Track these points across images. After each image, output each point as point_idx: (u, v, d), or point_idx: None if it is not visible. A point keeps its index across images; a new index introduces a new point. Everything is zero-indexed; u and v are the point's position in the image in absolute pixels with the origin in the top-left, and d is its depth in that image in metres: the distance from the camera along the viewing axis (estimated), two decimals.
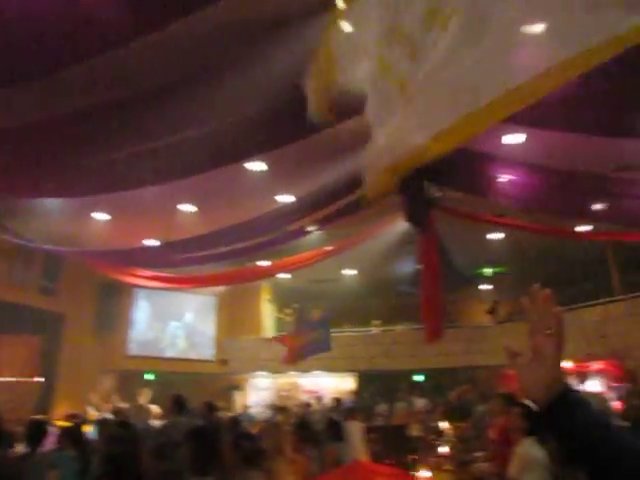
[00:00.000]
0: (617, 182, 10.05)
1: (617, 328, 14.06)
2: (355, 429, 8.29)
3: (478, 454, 7.76)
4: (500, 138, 9.59)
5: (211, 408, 7.80)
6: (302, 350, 13.00)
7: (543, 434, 4.03)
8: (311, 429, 5.92)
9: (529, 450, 3.83)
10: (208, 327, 19.01)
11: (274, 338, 14.01)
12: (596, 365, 15.62)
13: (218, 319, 19.03)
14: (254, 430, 9.39)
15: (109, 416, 9.28)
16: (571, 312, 15.04)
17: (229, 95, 6.89)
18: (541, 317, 1.22)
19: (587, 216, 11.64)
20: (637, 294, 14.34)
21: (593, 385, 15.46)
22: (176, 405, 6.91)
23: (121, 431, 3.37)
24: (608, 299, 14.95)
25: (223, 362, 18.19)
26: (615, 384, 14.60)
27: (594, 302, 14.96)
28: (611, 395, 13.72)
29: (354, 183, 10.28)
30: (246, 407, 15.97)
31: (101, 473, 2.88)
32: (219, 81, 6.67)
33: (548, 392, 1.17)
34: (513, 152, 9.78)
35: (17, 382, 14.76)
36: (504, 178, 10.37)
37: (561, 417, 1.14)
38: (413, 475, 3.37)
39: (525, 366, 1.25)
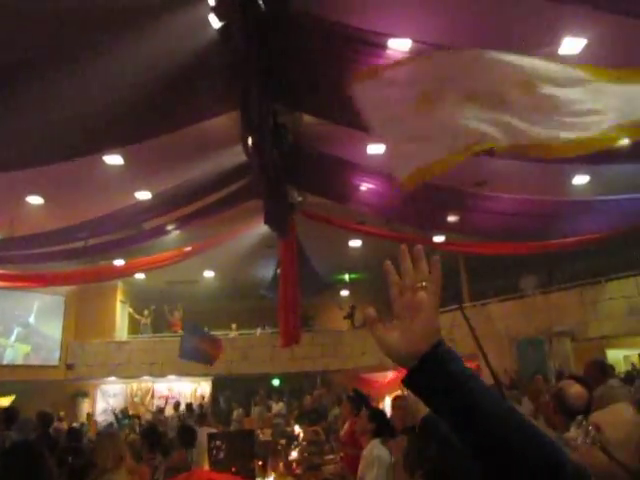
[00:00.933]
0: (472, 196, 10.71)
1: (463, 333, 14.96)
2: (204, 435, 8.07)
3: (329, 457, 7.86)
4: (364, 147, 9.86)
5: (45, 419, 7.15)
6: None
7: (387, 434, 4.15)
8: (158, 435, 5.64)
9: (373, 450, 3.90)
10: (54, 329, 17.56)
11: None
12: None
13: (65, 320, 17.67)
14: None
15: None
16: None
17: (88, 82, 6.46)
18: (412, 273, 1.08)
19: (441, 227, 12.28)
20: (483, 302, 15.43)
21: None
22: (3, 418, 6.26)
23: None
24: (456, 306, 15.91)
25: (69, 367, 16.97)
26: None
27: (444, 309, 15.86)
28: None
29: (216, 183, 10.12)
30: (90, 416, 15.03)
31: None
32: (77, 66, 6.21)
33: (424, 345, 1.03)
34: (375, 161, 10.09)
35: None
36: (365, 187, 10.66)
37: (437, 368, 1.02)
38: None
39: (390, 328, 1.08)
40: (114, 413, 14.38)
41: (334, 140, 9.46)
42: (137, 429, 10.97)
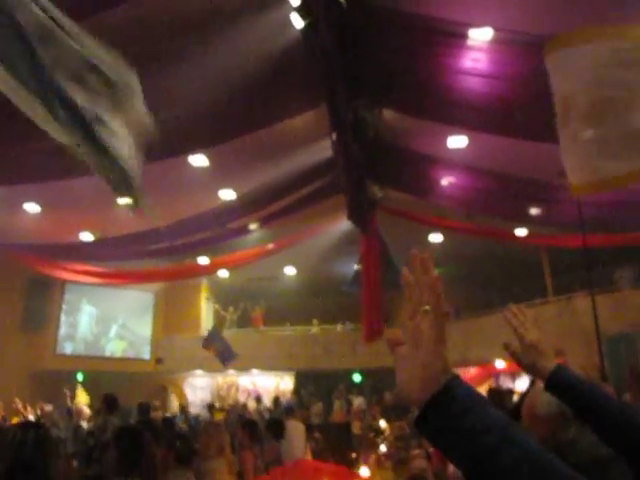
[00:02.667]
0: (556, 188, 10.35)
1: (548, 328, 14.51)
2: (295, 428, 8.24)
3: (415, 452, 7.82)
4: (444, 141, 9.73)
5: (145, 409, 7.54)
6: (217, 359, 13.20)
7: None
8: (257, 427, 5.81)
9: None
10: (145, 325, 18.46)
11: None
12: None
13: (155, 317, 18.51)
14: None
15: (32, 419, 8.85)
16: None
17: (174, 84, 6.71)
18: (420, 290, 0.88)
19: (524, 219, 11.94)
20: (567, 295, 14.86)
21: (525, 383, 15.96)
22: (107, 405, 6.63)
23: (30, 434, 3.12)
24: (541, 300, 15.43)
25: (159, 361, 17.73)
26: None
27: (528, 303, 15.40)
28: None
29: (299, 181, 10.27)
30: (183, 407, 15.62)
31: None
32: (165, 69, 6.47)
33: (423, 387, 0.84)
34: (456, 155, 9.94)
35: None
36: (446, 180, 10.52)
37: (440, 420, 0.82)
38: (356, 473, 3.30)
39: (402, 358, 0.89)
40: (208, 405, 14.83)
41: (415, 134, 9.39)
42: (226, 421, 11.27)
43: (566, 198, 10.59)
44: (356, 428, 7.94)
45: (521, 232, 13.73)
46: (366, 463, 4.85)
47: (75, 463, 5.66)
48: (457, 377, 0.84)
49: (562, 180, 10.32)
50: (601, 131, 4.07)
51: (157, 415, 11.71)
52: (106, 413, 6.51)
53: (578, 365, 12.85)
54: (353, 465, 4.11)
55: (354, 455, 4.85)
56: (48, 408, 11.31)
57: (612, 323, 13.52)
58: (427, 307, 0.87)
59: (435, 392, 0.82)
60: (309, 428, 4.24)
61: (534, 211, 11.11)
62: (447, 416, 0.81)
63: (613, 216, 10.72)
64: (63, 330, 17.25)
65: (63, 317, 17.29)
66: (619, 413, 1.44)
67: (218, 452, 3.96)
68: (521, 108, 7.20)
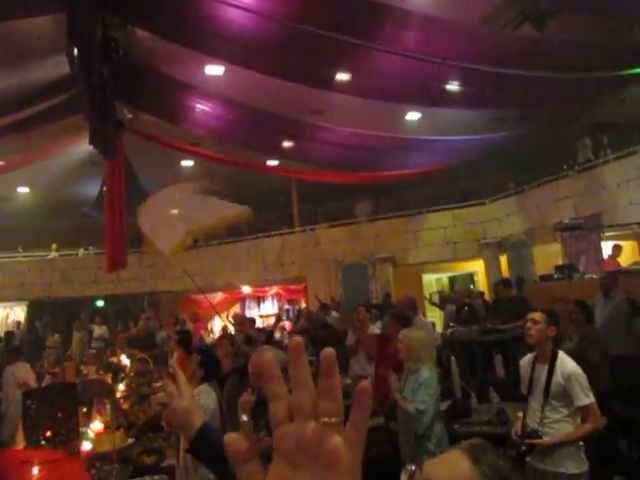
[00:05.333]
0: (308, 125, 10.75)
1: (294, 256, 15.44)
2: (18, 372, 7.44)
3: (157, 384, 7.76)
4: (201, 68, 9.36)
5: None
6: None
7: (218, 380, 4.14)
8: None
9: (200, 397, 3.85)
10: None
11: None
12: (272, 290, 17.14)
13: None
14: None
15: None
16: (255, 241, 16.03)
17: None
18: (309, 392, 0.59)
19: (276, 152, 12.26)
20: (312, 227, 15.89)
21: (268, 307, 16.94)
22: None
23: None
24: (287, 230, 16.25)
25: None
26: (287, 306, 16.05)
27: (275, 232, 16.13)
28: (283, 315, 15.24)
29: (34, 95, 9.04)
30: None
31: None
32: None
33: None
34: (212, 84, 9.68)
35: None
36: (200, 108, 10.23)
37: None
38: (74, 457, 3.07)
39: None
40: None
41: (171, 59, 8.85)
42: None
43: (315, 136, 11.13)
44: (91, 372, 7.56)
45: (272, 163, 14.15)
46: (100, 414, 4.63)
47: None
48: None
49: (314, 119, 10.85)
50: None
51: None
52: None
53: (320, 288, 14.07)
54: (78, 425, 3.83)
55: (84, 410, 4.57)
56: None
57: (348, 252, 14.89)
58: (333, 419, 0.58)
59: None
60: (24, 396, 3.76)
61: (285, 145, 11.45)
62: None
63: (352, 156, 11.58)
64: None
65: None
66: None
67: None
68: (280, 47, 7.19)
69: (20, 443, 3.66)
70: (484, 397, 5.80)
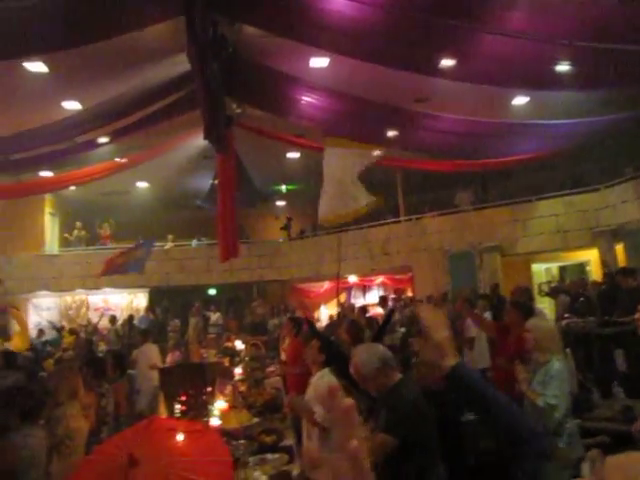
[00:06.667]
0: (412, 113, 10.67)
1: (399, 245, 15.41)
2: (148, 356, 8.09)
3: (270, 369, 8.07)
4: (306, 60, 9.54)
5: None
6: (119, 267, 12.37)
7: (339, 365, 4.20)
8: (101, 364, 5.56)
9: (323, 378, 3.96)
10: None
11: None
12: (378, 279, 17.20)
13: None
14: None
15: None
16: (362, 230, 16.13)
17: None
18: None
19: (380, 142, 12.26)
20: (418, 216, 15.76)
21: (373, 296, 17.01)
22: None
23: None
24: (392, 220, 16.21)
25: None
26: (393, 295, 16.05)
27: (381, 222, 16.14)
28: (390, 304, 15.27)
29: (154, 94, 9.63)
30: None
31: None
32: None
33: None
34: (317, 76, 9.83)
35: None
36: (305, 100, 10.43)
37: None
38: (212, 429, 3.28)
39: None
40: (55, 327, 14.16)
41: (277, 54, 9.11)
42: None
43: (420, 124, 11.03)
44: (211, 356, 8.00)
45: (377, 153, 14.14)
46: (222, 394, 4.90)
47: None
48: None
49: (418, 107, 10.75)
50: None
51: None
52: None
53: (426, 278, 13.98)
54: (209, 402, 4.11)
55: (209, 389, 4.86)
56: None
57: (454, 242, 14.65)
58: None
59: None
60: (161, 372, 4.11)
61: (390, 134, 11.43)
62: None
63: (458, 143, 11.35)
64: None
65: None
66: (504, 407, 1.67)
67: (70, 396, 3.77)
68: (384, 34, 7.19)
69: (161, 414, 3.97)
70: (606, 392, 5.56)
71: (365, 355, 3.12)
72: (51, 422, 3.66)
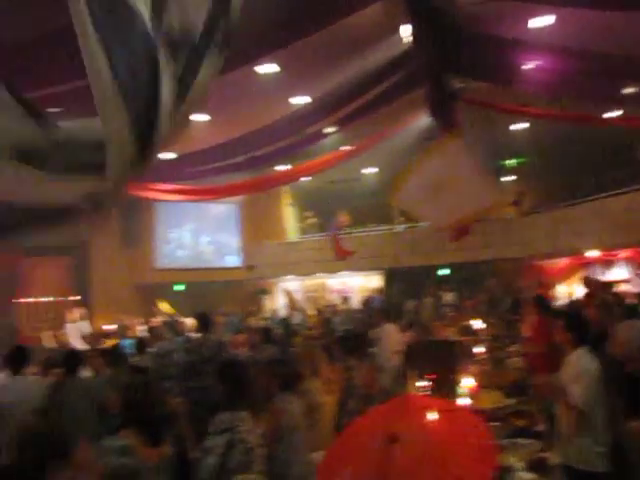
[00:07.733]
0: None
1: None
2: (389, 334, 8.34)
3: (511, 349, 7.82)
4: (526, 22, 8.97)
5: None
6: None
7: (594, 345, 3.89)
8: (353, 341, 5.79)
9: (580, 360, 3.72)
10: (233, 235, 19.12)
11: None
12: (623, 253, 15.49)
13: (242, 227, 19.08)
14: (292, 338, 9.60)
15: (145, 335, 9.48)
16: (597, 201, 14.74)
17: None
18: None
19: (617, 101, 11.06)
20: None
21: (619, 273, 15.44)
22: (201, 323, 6.96)
23: (137, 378, 3.44)
24: (636, 187, 14.43)
25: (250, 268, 18.42)
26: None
27: (621, 191, 14.53)
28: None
29: (375, 78, 9.87)
30: (274, 311, 16.33)
31: (121, 423, 2.93)
32: None
33: None
34: (540, 36, 9.19)
35: (56, 301, 15.25)
36: (530, 64, 9.81)
37: None
38: (474, 412, 3.25)
39: None
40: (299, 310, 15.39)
41: (494, 20, 8.71)
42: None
43: None
44: (450, 334, 8.00)
45: (613, 114, 12.76)
46: (467, 373, 4.88)
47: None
48: None
49: None
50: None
51: (253, 322, 12.33)
52: (203, 331, 6.84)
53: None
54: (457, 381, 4.11)
55: (457, 367, 4.87)
56: (156, 321, 12.09)
57: None
58: None
59: None
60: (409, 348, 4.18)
61: (629, 90, 10.24)
62: None
63: None
64: (159, 246, 18.13)
65: (156, 234, 18.11)
66: None
67: (313, 372, 4.09)
68: None
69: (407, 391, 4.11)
70: None
71: (631, 332, 2.89)
72: (299, 395, 4.02)
